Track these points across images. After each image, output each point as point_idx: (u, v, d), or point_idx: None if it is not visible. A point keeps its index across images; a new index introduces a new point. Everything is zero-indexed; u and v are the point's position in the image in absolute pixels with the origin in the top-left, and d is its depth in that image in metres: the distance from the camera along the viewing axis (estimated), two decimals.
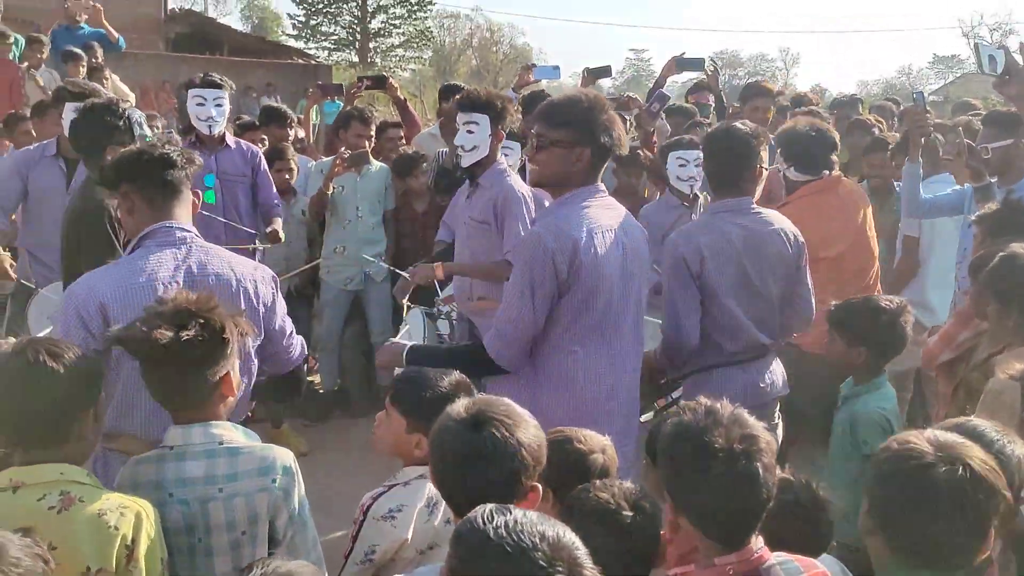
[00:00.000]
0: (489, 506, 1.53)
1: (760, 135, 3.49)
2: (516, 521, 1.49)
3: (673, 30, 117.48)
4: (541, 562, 1.44)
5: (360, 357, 6.30)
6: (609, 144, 2.98)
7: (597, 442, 2.42)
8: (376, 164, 6.02)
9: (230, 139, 5.37)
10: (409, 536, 2.36)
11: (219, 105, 5.16)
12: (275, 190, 5.56)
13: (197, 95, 5.14)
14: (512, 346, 2.95)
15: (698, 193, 5.14)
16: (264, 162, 5.50)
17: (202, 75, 5.26)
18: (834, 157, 4.42)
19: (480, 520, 1.51)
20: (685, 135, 5.44)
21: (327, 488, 4.31)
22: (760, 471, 1.86)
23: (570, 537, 1.51)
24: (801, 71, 70.79)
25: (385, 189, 6.01)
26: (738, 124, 3.54)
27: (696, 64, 6.91)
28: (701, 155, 4.54)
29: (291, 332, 2.82)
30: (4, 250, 4.72)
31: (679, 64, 6.76)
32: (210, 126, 5.15)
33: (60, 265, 3.93)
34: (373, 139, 6.11)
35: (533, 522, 1.50)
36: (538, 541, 1.47)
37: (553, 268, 2.87)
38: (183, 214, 2.66)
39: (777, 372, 3.59)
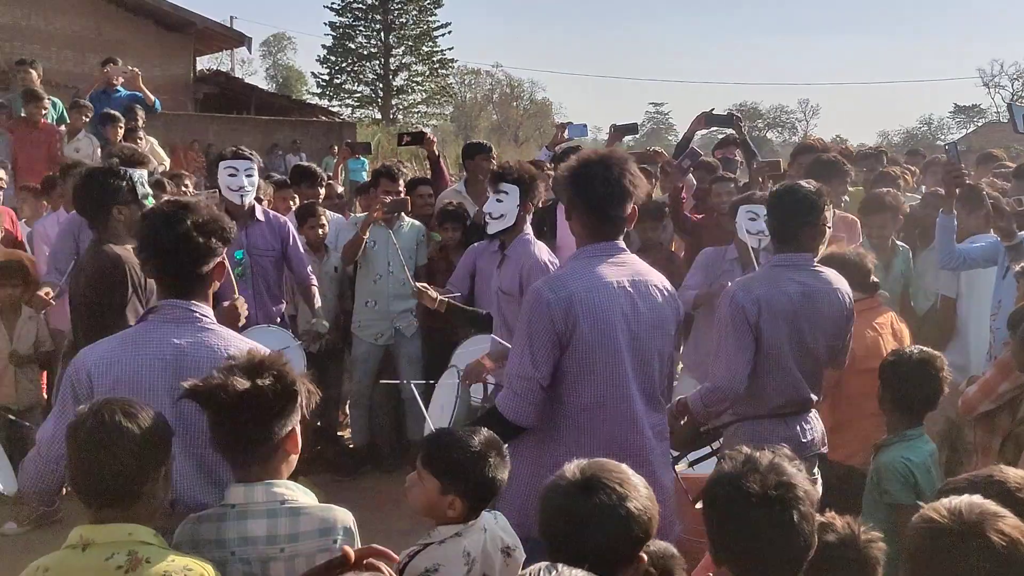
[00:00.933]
0: (541, 566, 1.56)
1: (825, 194, 3.57)
2: None
3: (693, 83, 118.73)
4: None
5: (391, 413, 6.33)
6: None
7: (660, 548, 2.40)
8: (408, 221, 6.11)
9: (259, 212, 5.40)
10: None
11: (249, 175, 5.23)
12: (306, 261, 5.58)
13: (229, 167, 5.20)
14: (521, 401, 2.96)
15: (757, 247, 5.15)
16: (294, 234, 5.52)
17: (233, 149, 5.32)
18: (874, 278, 4.44)
19: None
20: (756, 191, 5.46)
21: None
22: (796, 518, 1.87)
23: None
24: (820, 122, 71.06)
25: (417, 245, 6.09)
26: (803, 183, 3.62)
27: (725, 120, 7.02)
28: None
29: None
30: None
31: (708, 120, 6.87)
32: (242, 196, 5.20)
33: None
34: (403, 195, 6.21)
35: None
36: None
37: (550, 320, 2.90)
38: (200, 293, 2.62)
39: (817, 428, 3.60)
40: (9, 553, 4.35)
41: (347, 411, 6.67)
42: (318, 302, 5.58)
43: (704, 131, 7.31)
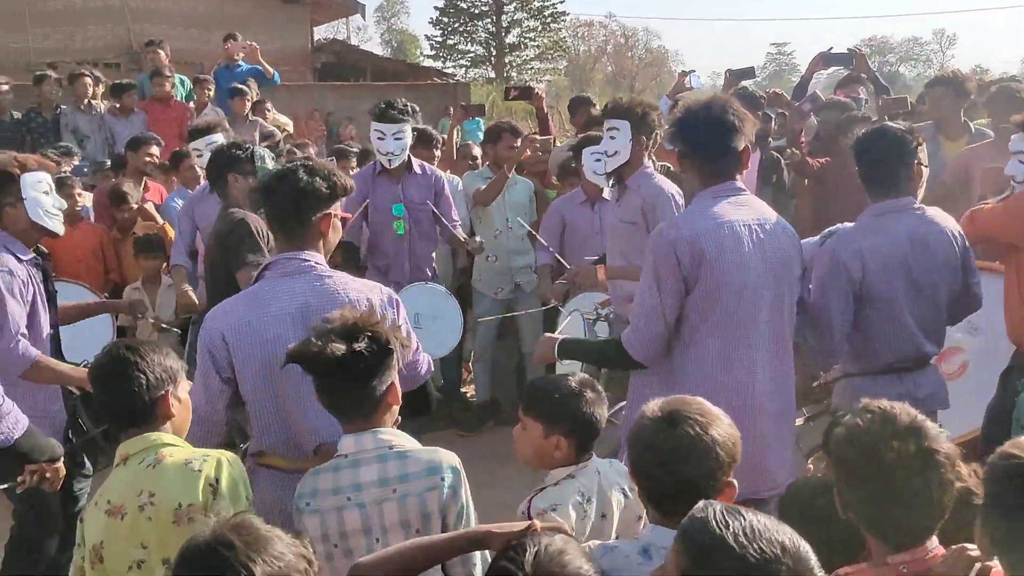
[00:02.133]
0: (718, 506, 1.54)
1: (916, 133, 3.41)
2: (754, 529, 1.48)
3: (817, 20, 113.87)
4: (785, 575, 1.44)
5: (513, 368, 6.44)
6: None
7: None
8: (518, 179, 6.16)
9: (416, 166, 5.46)
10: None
11: (398, 139, 5.23)
12: (456, 212, 5.66)
13: (377, 130, 5.26)
14: (645, 339, 3.00)
15: None
16: (447, 186, 5.62)
17: (382, 107, 5.28)
18: None
19: (714, 524, 1.50)
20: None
21: (482, 498, 4.41)
22: (934, 487, 1.82)
23: (805, 547, 1.49)
24: (958, 52, 67.03)
25: (529, 202, 6.14)
26: (890, 124, 3.49)
27: (845, 59, 6.77)
28: None
29: (417, 348, 2.86)
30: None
31: (826, 60, 6.65)
32: (389, 160, 5.29)
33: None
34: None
35: (769, 529, 1.48)
36: (780, 553, 1.45)
37: (676, 260, 2.91)
38: (311, 243, 2.73)
39: (938, 383, 3.46)
40: None
41: (470, 367, 6.82)
42: (462, 235, 5.59)
43: (825, 71, 7.05)
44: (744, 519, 1.50)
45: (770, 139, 6.69)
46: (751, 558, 1.44)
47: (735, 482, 2.03)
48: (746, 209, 3.03)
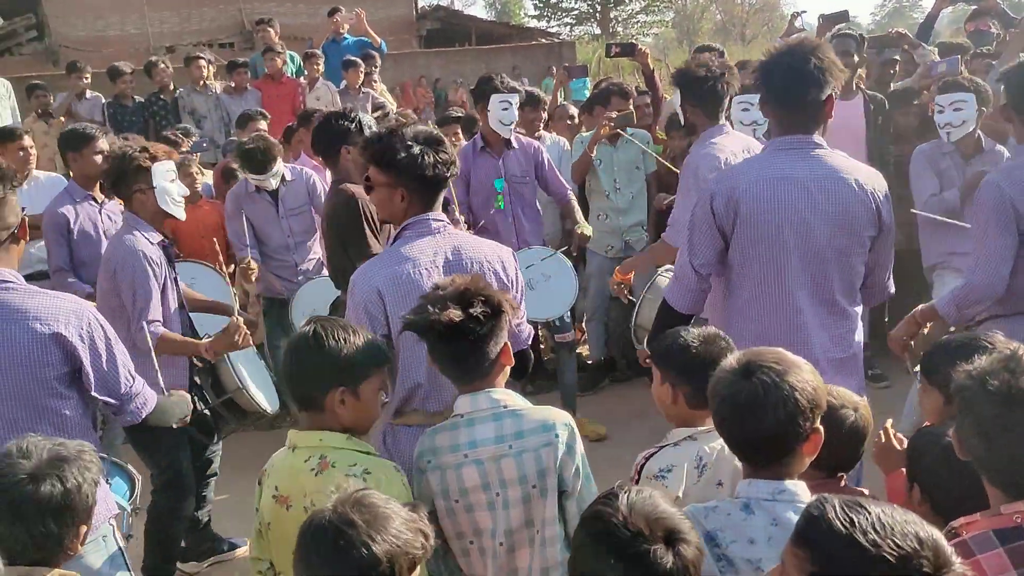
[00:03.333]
0: (835, 502, 1.43)
1: None
2: (882, 523, 1.37)
3: None
4: (927, 570, 1.34)
5: (627, 325, 6.39)
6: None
7: (850, 399, 2.40)
8: (631, 131, 6.07)
9: (514, 139, 5.47)
10: (680, 495, 2.41)
11: (507, 109, 5.26)
12: (562, 180, 5.65)
13: (503, 100, 5.25)
14: (682, 289, 3.05)
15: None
16: (547, 156, 5.62)
17: (500, 80, 5.29)
18: None
19: (839, 524, 1.40)
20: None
21: (597, 455, 4.41)
22: None
23: (937, 534, 1.39)
24: None
25: (643, 155, 6.06)
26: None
27: None
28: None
29: (523, 312, 2.93)
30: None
31: None
32: (511, 129, 5.33)
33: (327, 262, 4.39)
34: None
35: (897, 520, 1.38)
36: (918, 547, 1.35)
37: (711, 211, 2.93)
38: (438, 204, 2.88)
39: None
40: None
41: (583, 327, 6.81)
42: (579, 213, 5.65)
43: (949, 7, 6.67)
44: (868, 513, 1.39)
45: (890, 84, 6.40)
46: (889, 556, 1.34)
47: (821, 429, 1.98)
48: (807, 164, 2.92)
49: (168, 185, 3.81)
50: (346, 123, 4.26)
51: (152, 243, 3.76)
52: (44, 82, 9.28)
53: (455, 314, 2.29)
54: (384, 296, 2.69)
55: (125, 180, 3.78)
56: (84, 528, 2.16)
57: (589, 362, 6.62)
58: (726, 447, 2.48)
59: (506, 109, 5.25)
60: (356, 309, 2.74)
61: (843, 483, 2.40)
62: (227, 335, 3.73)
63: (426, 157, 2.77)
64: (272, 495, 2.34)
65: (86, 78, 8.88)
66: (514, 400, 2.42)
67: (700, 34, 42.97)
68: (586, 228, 5.58)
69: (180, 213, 3.90)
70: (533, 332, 3.09)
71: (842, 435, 2.31)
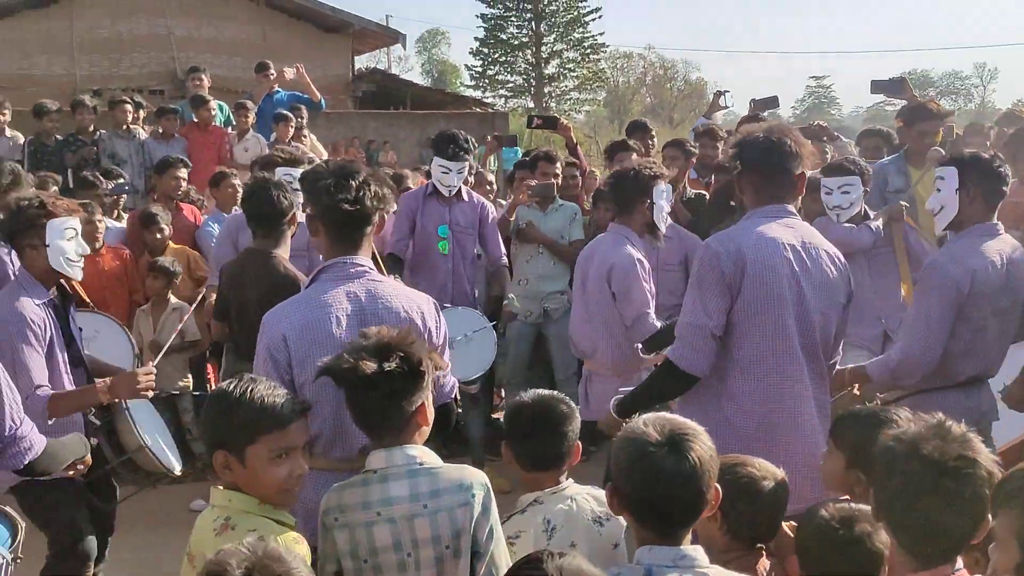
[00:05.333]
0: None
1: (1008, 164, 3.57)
2: None
3: (857, 54, 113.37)
4: None
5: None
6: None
7: (770, 470, 2.43)
8: (561, 202, 6.18)
9: (464, 193, 5.69)
10: None
11: (461, 173, 5.57)
12: (500, 243, 5.84)
13: (442, 165, 5.50)
14: (694, 351, 3.03)
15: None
16: (492, 215, 5.81)
17: (451, 145, 5.52)
18: None
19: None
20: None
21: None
22: (967, 494, 1.82)
23: None
24: (1000, 86, 66.31)
25: (570, 224, 6.15)
26: (983, 153, 3.61)
27: (894, 87, 6.65)
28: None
29: (448, 366, 2.85)
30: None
31: (873, 87, 6.59)
32: (449, 191, 5.56)
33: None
34: (559, 178, 6.32)
35: None
36: None
37: (720, 270, 2.98)
38: (363, 248, 2.80)
39: (992, 397, 3.59)
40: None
41: (502, 393, 6.76)
42: (507, 282, 5.82)
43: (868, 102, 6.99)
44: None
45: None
46: None
47: (719, 487, 2.03)
48: (793, 231, 3.08)
49: (64, 244, 3.60)
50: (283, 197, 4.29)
51: (37, 303, 3.54)
52: None
53: (368, 366, 2.23)
54: (289, 342, 2.63)
55: (16, 234, 3.59)
56: None
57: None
58: (575, 506, 2.55)
59: (445, 173, 5.48)
60: (262, 353, 2.68)
61: (763, 554, 2.39)
62: (129, 376, 3.54)
63: (338, 191, 2.69)
64: (187, 551, 2.24)
65: (3, 115, 8.63)
66: (430, 458, 2.36)
67: (630, 115, 44.12)
68: (514, 304, 5.70)
69: (75, 273, 3.69)
70: (456, 385, 3.04)
71: (762, 506, 2.33)
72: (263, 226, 4.29)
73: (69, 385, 3.63)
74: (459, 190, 5.65)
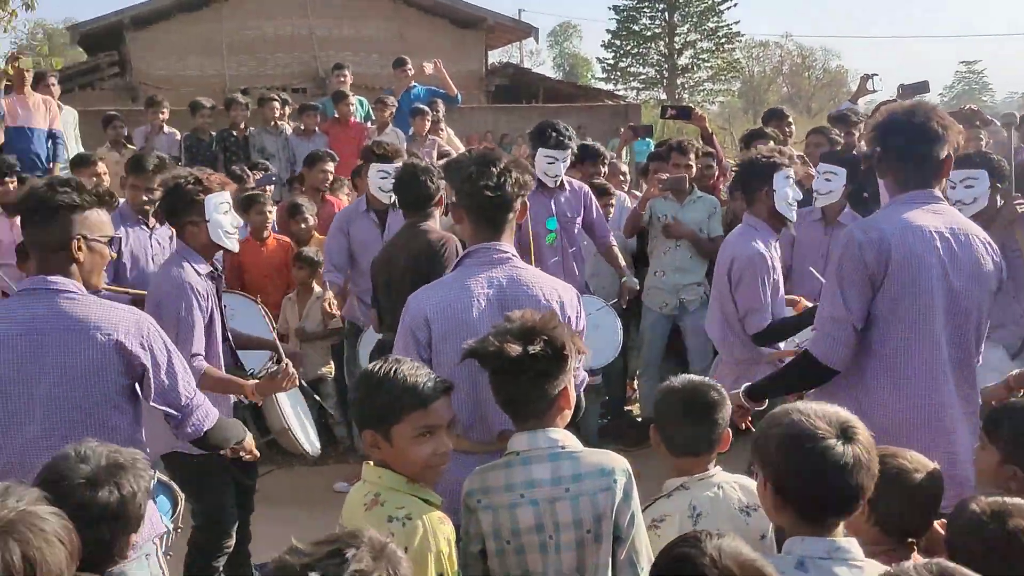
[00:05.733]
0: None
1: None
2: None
3: (1012, 36, 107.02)
4: None
5: None
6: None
7: (922, 462, 2.35)
8: (699, 194, 6.11)
9: (566, 181, 5.67)
10: None
11: (565, 162, 5.54)
12: (607, 227, 5.82)
13: (548, 155, 5.47)
14: (834, 343, 2.95)
15: None
16: (595, 200, 5.78)
17: (555, 136, 5.50)
18: None
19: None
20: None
21: None
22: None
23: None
24: None
25: (708, 218, 6.07)
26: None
27: (921, 88, 6.40)
28: None
29: (588, 352, 2.85)
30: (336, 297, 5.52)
31: (903, 91, 6.35)
32: (555, 181, 5.52)
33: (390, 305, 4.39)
34: (693, 169, 6.23)
35: None
36: None
37: (862, 261, 2.88)
38: (506, 235, 2.85)
39: None
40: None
41: (634, 385, 6.74)
42: (622, 260, 5.81)
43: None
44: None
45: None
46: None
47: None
48: (940, 217, 2.96)
49: (220, 217, 3.76)
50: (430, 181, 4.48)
51: (200, 274, 3.70)
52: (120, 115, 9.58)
53: (514, 349, 2.27)
54: (431, 323, 2.70)
55: (177, 212, 3.76)
56: (133, 537, 2.17)
57: (639, 419, 6.53)
58: (722, 494, 2.51)
59: (551, 163, 5.44)
60: (404, 332, 2.75)
61: (914, 550, 2.31)
62: (274, 380, 3.70)
63: (480, 178, 2.76)
64: (339, 522, 2.32)
65: (163, 113, 9.15)
66: (572, 442, 2.38)
67: (766, 104, 42.97)
68: (631, 280, 5.67)
69: (232, 245, 3.86)
70: (586, 379, 3.04)
71: (912, 499, 2.26)
72: (412, 209, 4.52)
73: (222, 357, 3.82)
74: (562, 182, 5.59)
